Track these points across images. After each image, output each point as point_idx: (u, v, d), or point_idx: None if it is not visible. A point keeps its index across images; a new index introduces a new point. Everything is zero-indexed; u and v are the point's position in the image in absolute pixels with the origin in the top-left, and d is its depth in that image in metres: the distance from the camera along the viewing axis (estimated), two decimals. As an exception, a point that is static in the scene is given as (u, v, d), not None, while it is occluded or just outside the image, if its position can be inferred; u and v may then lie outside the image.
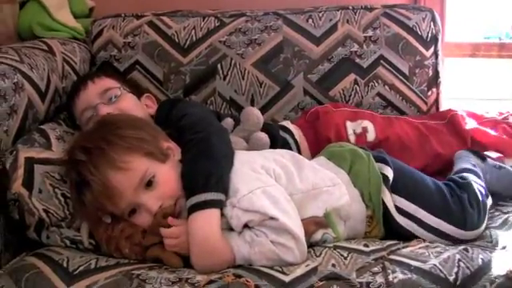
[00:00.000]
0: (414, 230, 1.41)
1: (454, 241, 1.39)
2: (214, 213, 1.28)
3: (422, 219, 1.41)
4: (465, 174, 1.56)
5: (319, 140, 1.79)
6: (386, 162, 1.48)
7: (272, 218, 1.25)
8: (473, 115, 1.96)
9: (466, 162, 1.66)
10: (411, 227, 1.42)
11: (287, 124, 1.88)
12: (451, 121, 1.90)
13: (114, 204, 1.33)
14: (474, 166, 1.63)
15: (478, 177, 1.57)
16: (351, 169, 1.48)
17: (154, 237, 1.32)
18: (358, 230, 1.43)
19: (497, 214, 1.53)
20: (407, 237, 1.40)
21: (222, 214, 1.29)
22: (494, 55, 2.59)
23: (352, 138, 1.81)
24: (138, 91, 1.85)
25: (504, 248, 1.31)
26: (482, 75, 2.65)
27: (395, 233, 1.42)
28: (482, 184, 1.54)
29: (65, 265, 1.27)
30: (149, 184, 1.34)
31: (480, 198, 1.46)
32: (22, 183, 1.35)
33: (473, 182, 1.51)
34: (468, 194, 1.46)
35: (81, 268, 1.26)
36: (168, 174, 1.38)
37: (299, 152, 1.76)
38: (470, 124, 1.90)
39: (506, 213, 1.52)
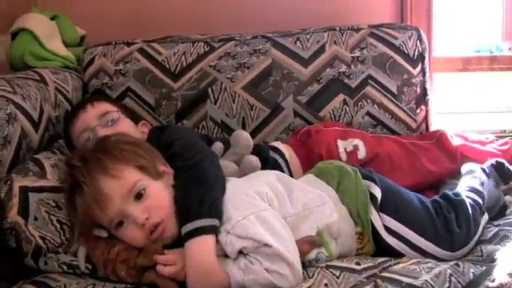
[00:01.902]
0: (403, 250, 1.42)
1: (443, 261, 1.38)
2: (209, 238, 1.29)
3: (411, 240, 1.42)
4: (459, 191, 1.56)
5: (311, 158, 1.80)
6: (373, 181, 1.49)
7: (266, 245, 1.25)
8: (460, 135, 1.99)
9: (475, 179, 1.64)
10: (400, 247, 1.42)
11: (277, 144, 1.88)
12: (439, 139, 1.92)
13: (102, 209, 1.34)
14: (482, 184, 1.61)
15: (480, 196, 1.56)
16: (339, 185, 1.49)
17: (147, 259, 1.32)
18: (349, 247, 1.43)
19: (488, 226, 1.53)
20: (397, 254, 1.40)
21: (217, 241, 1.30)
22: (485, 68, 2.61)
23: (343, 155, 1.82)
24: (134, 118, 1.88)
25: (494, 262, 1.31)
26: (474, 89, 2.67)
27: (386, 250, 1.43)
28: (478, 200, 1.53)
29: (61, 292, 1.27)
30: (138, 197, 1.36)
31: (471, 216, 1.46)
32: (17, 212, 1.36)
33: (466, 199, 1.50)
34: (456, 213, 1.46)
35: (77, 294, 1.26)
36: (159, 191, 1.40)
37: (290, 172, 1.78)
38: (457, 141, 1.93)
39: (496, 226, 1.53)
